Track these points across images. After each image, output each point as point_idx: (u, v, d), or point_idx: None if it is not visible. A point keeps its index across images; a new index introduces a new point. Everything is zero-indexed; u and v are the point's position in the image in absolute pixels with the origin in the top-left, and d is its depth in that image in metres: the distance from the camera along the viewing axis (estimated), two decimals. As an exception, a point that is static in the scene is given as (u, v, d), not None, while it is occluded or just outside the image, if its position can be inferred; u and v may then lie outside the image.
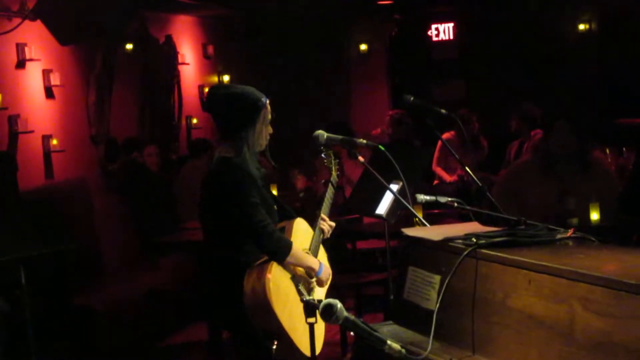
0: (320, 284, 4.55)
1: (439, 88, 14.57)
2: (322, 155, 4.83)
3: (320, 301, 2.89)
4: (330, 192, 4.76)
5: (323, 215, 4.69)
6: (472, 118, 10.42)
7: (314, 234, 4.63)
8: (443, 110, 5.18)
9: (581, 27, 14.21)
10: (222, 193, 4.36)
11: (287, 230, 4.49)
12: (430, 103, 5.23)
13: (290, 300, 4.30)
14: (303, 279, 4.45)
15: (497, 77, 14.00)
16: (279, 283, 4.26)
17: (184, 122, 12.28)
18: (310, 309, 3.04)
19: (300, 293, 4.35)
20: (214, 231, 4.50)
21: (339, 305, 2.80)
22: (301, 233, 4.57)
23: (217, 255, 4.48)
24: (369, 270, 8.20)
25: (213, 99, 4.60)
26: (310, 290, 4.49)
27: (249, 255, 4.35)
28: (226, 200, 4.34)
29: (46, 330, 6.67)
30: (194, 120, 12.47)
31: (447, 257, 3.58)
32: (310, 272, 4.47)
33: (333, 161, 4.85)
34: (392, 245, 5.87)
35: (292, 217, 4.66)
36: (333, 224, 4.76)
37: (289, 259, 4.33)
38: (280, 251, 4.30)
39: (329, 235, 4.75)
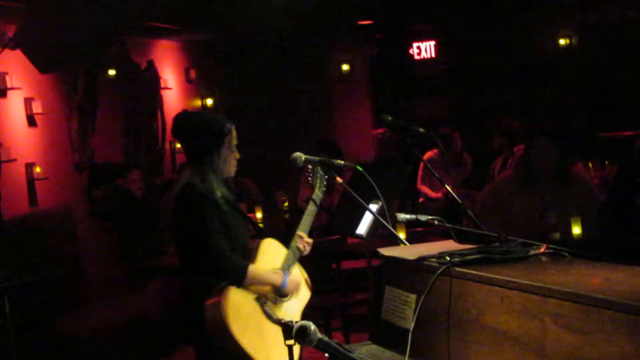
0: (288, 295, 4.56)
1: (422, 106, 14.64)
2: (308, 172, 4.85)
3: (295, 323, 2.90)
4: (311, 209, 4.76)
5: (300, 233, 4.70)
6: (454, 136, 10.47)
7: (288, 252, 4.65)
8: (421, 129, 5.20)
9: (561, 41, 14.31)
10: (182, 219, 4.45)
11: (254, 251, 4.53)
12: (409, 122, 5.23)
13: (252, 323, 4.32)
14: (271, 298, 4.47)
15: (479, 94, 14.07)
16: (238, 306, 4.28)
17: (167, 146, 12.30)
18: (287, 330, 3.05)
19: (267, 314, 4.38)
20: (180, 256, 4.55)
21: (313, 326, 2.81)
22: (270, 253, 4.59)
23: (185, 280, 4.53)
24: (354, 290, 8.22)
25: (179, 126, 4.67)
26: (282, 309, 4.50)
27: (209, 280, 4.38)
28: (185, 226, 4.43)
29: (31, 358, 6.65)
30: (178, 145, 12.48)
31: (422, 276, 3.59)
32: (275, 288, 4.49)
33: (319, 177, 4.84)
34: (375, 264, 5.90)
35: (283, 241, 4.69)
36: (310, 240, 4.76)
37: (247, 280, 4.35)
38: (235, 275, 4.34)
39: (306, 252, 4.76)
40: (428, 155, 10.10)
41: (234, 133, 4.55)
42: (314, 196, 4.80)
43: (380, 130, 10.69)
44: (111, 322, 7.73)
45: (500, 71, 13.98)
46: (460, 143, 10.65)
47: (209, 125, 4.50)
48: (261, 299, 4.41)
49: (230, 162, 4.54)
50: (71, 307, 7.78)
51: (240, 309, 4.29)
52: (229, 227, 4.43)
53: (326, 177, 4.81)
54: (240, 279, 4.33)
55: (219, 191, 4.45)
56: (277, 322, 4.32)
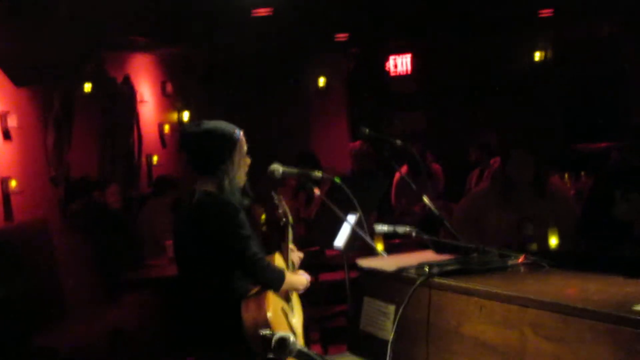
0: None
1: (398, 120, 14.67)
2: (276, 203, 4.90)
3: (273, 334, 2.89)
4: (290, 232, 4.83)
5: (292, 247, 4.74)
6: (423, 151, 10.52)
7: (288, 265, 4.68)
8: (398, 141, 5.23)
9: (537, 55, 14.39)
10: (212, 227, 4.33)
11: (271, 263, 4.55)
12: (386, 134, 5.26)
13: (284, 328, 4.36)
14: (288, 309, 4.53)
15: (456, 108, 14.11)
16: (276, 311, 4.32)
17: (144, 160, 12.25)
18: (266, 342, 3.03)
19: (289, 323, 4.45)
20: (200, 266, 4.43)
21: (292, 337, 2.80)
22: (280, 265, 4.62)
23: (205, 290, 4.43)
24: (333, 302, 8.20)
25: (187, 138, 4.54)
26: (294, 320, 4.57)
27: (239, 287, 4.37)
28: (217, 235, 4.32)
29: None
30: (155, 158, 12.46)
31: (400, 287, 3.60)
32: (302, 287, 4.63)
33: (285, 207, 4.91)
34: (354, 276, 5.89)
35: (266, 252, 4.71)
36: (301, 254, 4.83)
37: (284, 286, 4.42)
38: (276, 280, 4.38)
39: (297, 266, 4.80)
40: (404, 169, 10.13)
41: (244, 139, 4.52)
42: (289, 222, 4.86)
43: (357, 143, 10.69)
44: (89, 336, 7.68)
45: (477, 85, 14.02)
46: (429, 156, 10.70)
47: (219, 134, 4.44)
48: (284, 308, 4.47)
49: (243, 168, 4.51)
50: (48, 322, 7.73)
51: (277, 313, 4.33)
52: (253, 236, 4.43)
53: (282, 202, 4.88)
54: (279, 285, 4.39)
55: (236, 199, 4.43)
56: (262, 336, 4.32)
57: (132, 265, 8.51)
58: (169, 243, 7.91)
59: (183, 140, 4.61)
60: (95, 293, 8.71)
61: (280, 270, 4.43)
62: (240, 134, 4.50)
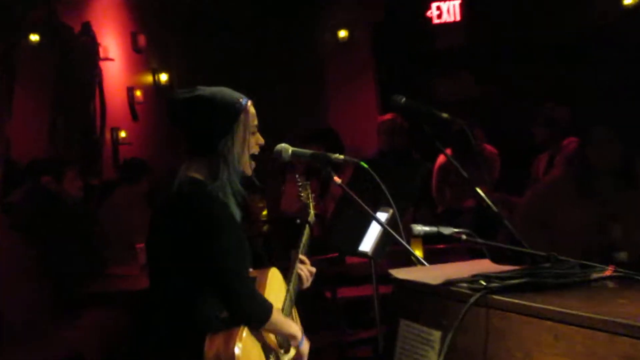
0: (300, 358, 4.58)
1: (442, 85, 14.62)
2: (299, 189, 4.87)
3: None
4: (307, 236, 4.85)
5: (302, 257, 4.71)
6: (473, 127, 10.45)
7: (290, 285, 4.64)
8: (444, 114, 5.22)
9: (627, 0, 14.28)
10: (187, 229, 4.26)
11: (259, 283, 4.48)
12: (429, 105, 5.25)
13: None
14: (273, 349, 4.47)
15: (517, 70, 14.04)
16: (249, 354, 4.24)
17: (108, 135, 12.28)
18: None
19: None
20: (166, 279, 4.40)
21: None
22: (275, 287, 4.58)
23: (166, 311, 4.40)
24: (354, 325, 8.22)
25: (175, 107, 4.49)
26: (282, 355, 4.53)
27: (209, 313, 4.30)
28: (193, 238, 4.24)
29: None
30: (122, 134, 12.49)
31: (449, 307, 3.59)
32: (291, 341, 4.50)
33: (310, 196, 4.89)
34: (384, 292, 5.88)
35: (262, 264, 4.66)
36: (313, 269, 4.78)
37: (267, 325, 4.32)
38: (258, 317, 4.29)
39: (308, 285, 4.77)
40: (441, 157, 10.13)
41: (252, 110, 4.48)
42: (309, 219, 4.85)
43: (388, 117, 10.64)
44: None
45: (546, 41, 13.95)
46: (482, 134, 10.66)
47: (219, 100, 4.39)
48: (265, 349, 4.39)
49: (248, 149, 4.45)
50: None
51: (249, 351, 4.23)
52: (241, 248, 4.37)
53: (314, 195, 4.86)
54: (262, 321, 4.29)
55: (233, 194, 4.38)
56: None
57: (93, 275, 8.53)
58: (141, 247, 7.92)
59: (170, 111, 4.56)
60: (45, 311, 8.73)
61: (267, 306, 4.32)
62: (247, 103, 4.46)
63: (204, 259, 4.22)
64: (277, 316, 4.35)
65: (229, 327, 4.24)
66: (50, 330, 8.46)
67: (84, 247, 9.19)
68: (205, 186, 4.31)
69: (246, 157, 4.44)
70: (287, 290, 4.62)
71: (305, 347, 4.56)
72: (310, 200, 4.93)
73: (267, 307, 4.30)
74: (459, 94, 14.33)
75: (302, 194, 4.93)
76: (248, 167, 4.47)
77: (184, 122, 4.46)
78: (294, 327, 4.49)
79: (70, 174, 9.55)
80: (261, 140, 4.53)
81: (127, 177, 10.25)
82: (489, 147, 11.00)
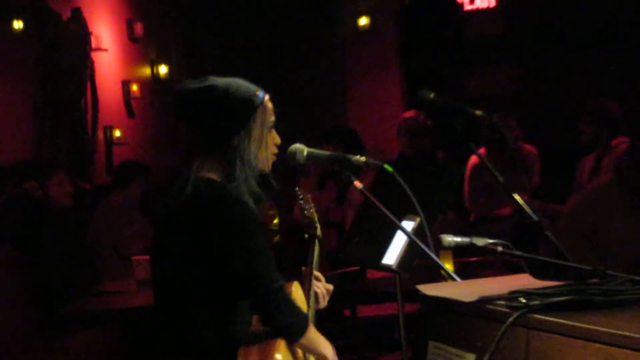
0: None
1: (474, 78, 14.63)
2: (300, 203, 4.87)
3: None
4: (317, 251, 4.87)
5: (317, 274, 4.71)
6: (511, 125, 10.41)
7: (309, 303, 4.65)
8: (479, 112, 5.21)
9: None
10: (212, 233, 4.22)
11: None
12: (460, 101, 5.25)
13: None
14: None
15: (559, 62, 14.03)
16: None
17: (100, 135, 12.30)
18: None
19: None
20: (189, 293, 4.34)
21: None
22: (299, 303, 4.56)
23: (192, 328, 4.36)
24: (376, 348, 8.22)
25: (183, 100, 4.47)
26: None
27: (239, 327, 4.30)
28: (219, 245, 4.21)
29: None
30: (116, 133, 12.51)
31: (484, 327, 3.59)
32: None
33: (314, 210, 4.89)
34: (410, 310, 5.87)
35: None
36: (330, 287, 4.78)
37: (303, 340, 4.31)
38: (296, 327, 4.27)
39: (325, 304, 4.80)
40: (473, 158, 10.12)
41: (270, 105, 4.48)
42: (318, 233, 4.86)
43: (409, 114, 10.63)
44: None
45: (590, 30, 13.93)
46: (520, 134, 10.63)
47: (233, 92, 4.37)
48: None
49: (265, 147, 4.44)
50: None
51: None
52: (270, 252, 4.35)
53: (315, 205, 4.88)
54: (299, 335, 4.28)
55: (251, 194, 4.34)
56: None
57: (83, 291, 8.53)
58: (138, 259, 7.92)
59: (178, 105, 4.54)
60: (28, 331, 8.74)
61: (304, 316, 4.34)
62: (264, 97, 4.46)
63: (234, 265, 4.21)
64: (313, 331, 4.36)
65: (262, 340, 4.24)
66: (34, 354, 8.48)
67: (73, 260, 9.20)
68: (225, 187, 4.27)
69: (262, 155, 4.41)
70: (308, 307, 4.62)
71: None
72: (314, 212, 4.92)
73: (304, 319, 4.31)
74: (494, 88, 14.33)
75: (305, 209, 4.92)
76: (265, 165, 4.45)
77: (193, 117, 4.44)
78: (329, 348, 4.48)
79: (57, 179, 9.56)
80: (278, 140, 4.51)
81: (121, 181, 10.25)
82: (527, 147, 10.98)
